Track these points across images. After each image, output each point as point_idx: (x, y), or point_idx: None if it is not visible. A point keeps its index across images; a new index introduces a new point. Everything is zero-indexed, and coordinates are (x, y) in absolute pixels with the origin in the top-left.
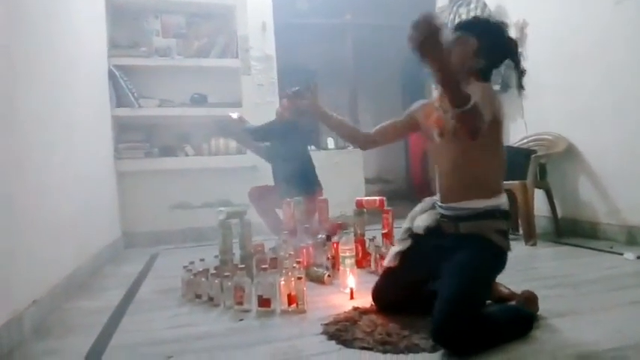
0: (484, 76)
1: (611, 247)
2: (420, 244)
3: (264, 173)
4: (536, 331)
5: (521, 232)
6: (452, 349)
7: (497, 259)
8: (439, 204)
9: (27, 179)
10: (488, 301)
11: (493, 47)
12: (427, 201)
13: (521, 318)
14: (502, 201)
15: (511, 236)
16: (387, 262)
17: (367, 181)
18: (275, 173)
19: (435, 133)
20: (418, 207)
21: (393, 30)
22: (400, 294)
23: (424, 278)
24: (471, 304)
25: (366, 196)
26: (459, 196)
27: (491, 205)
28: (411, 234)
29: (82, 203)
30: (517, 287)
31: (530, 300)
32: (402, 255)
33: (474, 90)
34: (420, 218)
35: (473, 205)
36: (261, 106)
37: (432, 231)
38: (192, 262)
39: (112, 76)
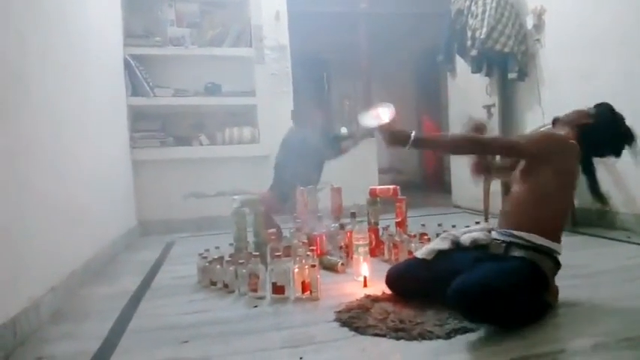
0: (582, 135)
1: (629, 237)
2: (460, 251)
3: None
4: (549, 319)
5: None
6: (463, 309)
7: (535, 275)
8: (496, 229)
9: (42, 167)
10: None
11: (603, 124)
12: (482, 226)
13: (536, 304)
14: (557, 249)
15: None
16: (420, 254)
17: (380, 171)
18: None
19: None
20: (472, 227)
21: (407, 18)
22: (416, 283)
23: (446, 279)
24: (497, 282)
25: (380, 185)
26: (522, 227)
27: (546, 245)
28: (455, 242)
29: (98, 191)
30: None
31: (552, 292)
32: (438, 253)
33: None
34: (469, 235)
35: (530, 238)
36: (275, 95)
37: (478, 246)
38: (207, 250)
39: (127, 65)
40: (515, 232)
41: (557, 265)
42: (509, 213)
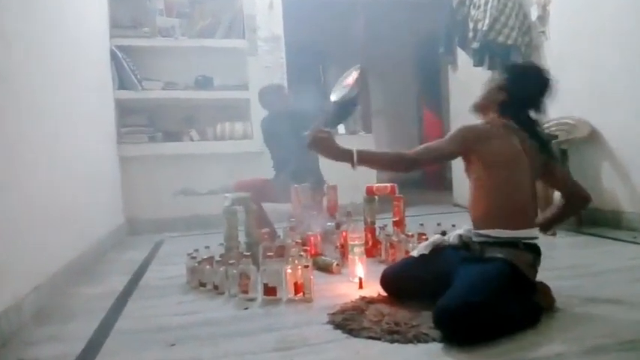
0: (502, 111)
1: (635, 238)
2: (451, 250)
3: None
4: (550, 321)
5: None
6: (452, 333)
7: (519, 281)
8: (472, 232)
9: (25, 163)
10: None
11: (516, 90)
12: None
13: (527, 309)
14: (528, 235)
15: None
16: (417, 251)
17: None
18: (281, 163)
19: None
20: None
21: (407, 7)
22: (411, 284)
23: (439, 280)
24: (479, 295)
25: (378, 183)
26: (482, 225)
27: (514, 236)
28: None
29: (84, 188)
30: (539, 277)
31: (542, 292)
32: (433, 250)
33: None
34: (456, 233)
35: (495, 234)
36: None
37: (462, 245)
38: (196, 250)
39: (114, 57)
40: (481, 232)
41: (538, 255)
42: (471, 214)
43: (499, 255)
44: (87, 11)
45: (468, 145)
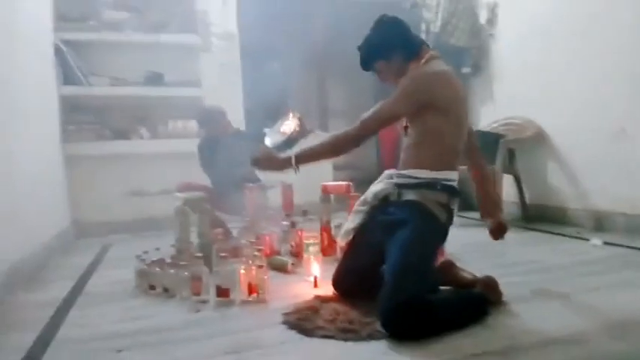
0: (399, 73)
1: (578, 233)
2: (371, 222)
3: None
4: (500, 316)
5: None
6: (400, 331)
7: (437, 231)
8: (394, 172)
9: None
10: (448, 287)
11: (388, 51)
12: (386, 173)
13: (473, 302)
14: (448, 176)
15: (480, 222)
16: (340, 240)
17: (335, 167)
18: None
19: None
20: (380, 177)
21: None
22: (360, 279)
23: (379, 260)
24: (413, 277)
25: (334, 182)
26: (408, 166)
27: (433, 177)
28: (365, 208)
29: (25, 190)
30: (483, 273)
31: (489, 286)
32: (356, 234)
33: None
34: (374, 185)
35: (417, 174)
36: (223, 86)
37: (380, 202)
38: (146, 252)
39: (58, 51)
40: (406, 172)
41: (453, 195)
42: (404, 156)
43: (412, 197)
44: (30, 4)
45: (424, 98)
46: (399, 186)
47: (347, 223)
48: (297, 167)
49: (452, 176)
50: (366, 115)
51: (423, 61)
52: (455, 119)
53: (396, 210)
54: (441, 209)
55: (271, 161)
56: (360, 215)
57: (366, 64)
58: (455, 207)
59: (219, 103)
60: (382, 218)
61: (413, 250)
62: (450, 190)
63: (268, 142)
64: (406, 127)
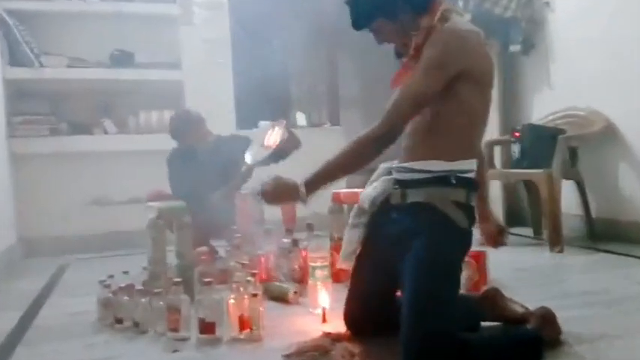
0: (405, 32)
1: None
2: (374, 235)
3: None
4: (556, 359)
5: (545, 235)
6: None
7: (457, 241)
8: (395, 166)
9: None
10: (496, 323)
11: (392, 6)
12: (382, 167)
13: (523, 342)
14: (465, 167)
15: (533, 241)
16: (340, 264)
17: None
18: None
19: None
20: (374, 174)
21: None
22: (374, 310)
23: (393, 283)
24: (436, 310)
25: (348, 187)
26: (415, 156)
27: (447, 170)
28: (363, 220)
29: None
30: (537, 305)
31: (546, 320)
32: (359, 255)
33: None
34: (371, 186)
35: (427, 167)
36: (208, 68)
37: (380, 207)
38: (111, 276)
39: (2, 24)
40: (412, 165)
41: (472, 190)
42: (409, 143)
43: (420, 199)
44: None
45: (460, 67)
46: (402, 184)
47: (344, 243)
48: (309, 196)
49: (469, 166)
50: (389, 104)
51: (437, 15)
52: (489, 95)
53: (401, 216)
54: (459, 211)
55: (280, 195)
56: (359, 230)
57: (362, 23)
58: (474, 204)
59: (196, 108)
60: (387, 231)
61: (431, 273)
62: (467, 184)
63: (248, 158)
64: None
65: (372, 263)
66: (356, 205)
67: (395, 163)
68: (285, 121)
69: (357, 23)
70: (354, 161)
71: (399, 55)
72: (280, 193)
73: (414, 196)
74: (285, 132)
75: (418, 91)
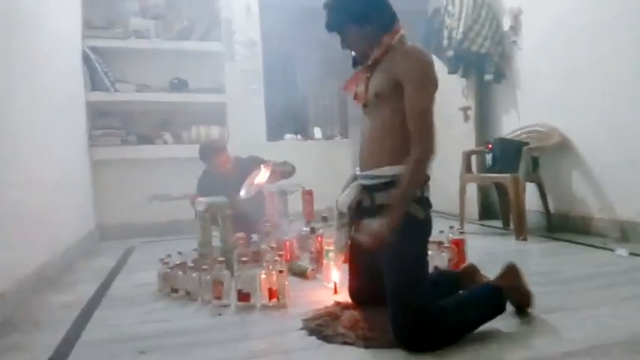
0: (370, 43)
1: (604, 244)
2: (356, 231)
3: None
4: (522, 327)
5: (512, 226)
6: (416, 346)
7: (419, 232)
8: (358, 173)
9: None
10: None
11: (366, 17)
12: (350, 175)
13: (487, 294)
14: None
15: (502, 231)
16: (336, 257)
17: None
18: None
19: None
20: (346, 182)
21: None
22: (373, 286)
23: (378, 265)
24: (413, 291)
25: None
26: (373, 164)
27: (401, 172)
28: (346, 219)
29: (53, 193)
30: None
31: (522, 294)
32: (351, 245)
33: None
34: (344, 194)
35: (385, 173)
36: (245, 92)
37: (356, 210)
38: (169, 255)
39: (86, 58)
40: (372, 173)
41: (425, 182)
42: (367, 152)
43: (385, 201)
44: (59, 11)
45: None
46: (369, 189)
47: (335, 242)
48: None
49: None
50: (414, 129)
51: (397, 36)
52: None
53: (373, 217)
54: (417, 205)
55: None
56: (344, 229)
57: (335, 25)
58: (428, 193)
59: (221, 135)
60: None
61: (402, 265)
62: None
63: (243, 194)
64: (365, 106)
65: (360, 251)
66: (335, 212)
67: (357, 171)
68: (271, 164)
69: (331, 25)
70: (420, 178)
71: (355, 64)
72: (378, 234)
73: (381, 199)
74: (268, 173)
75: (427, 106)
